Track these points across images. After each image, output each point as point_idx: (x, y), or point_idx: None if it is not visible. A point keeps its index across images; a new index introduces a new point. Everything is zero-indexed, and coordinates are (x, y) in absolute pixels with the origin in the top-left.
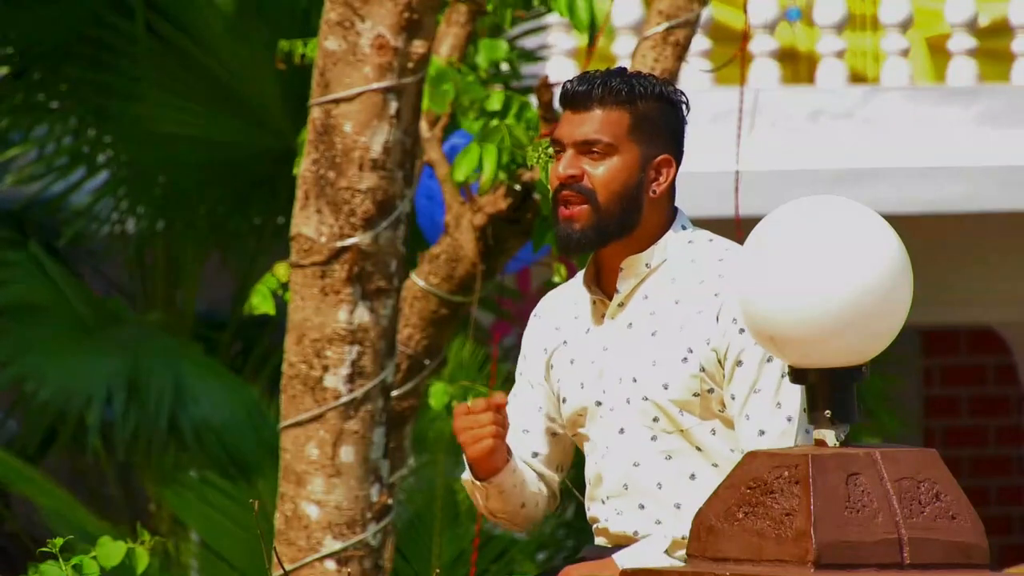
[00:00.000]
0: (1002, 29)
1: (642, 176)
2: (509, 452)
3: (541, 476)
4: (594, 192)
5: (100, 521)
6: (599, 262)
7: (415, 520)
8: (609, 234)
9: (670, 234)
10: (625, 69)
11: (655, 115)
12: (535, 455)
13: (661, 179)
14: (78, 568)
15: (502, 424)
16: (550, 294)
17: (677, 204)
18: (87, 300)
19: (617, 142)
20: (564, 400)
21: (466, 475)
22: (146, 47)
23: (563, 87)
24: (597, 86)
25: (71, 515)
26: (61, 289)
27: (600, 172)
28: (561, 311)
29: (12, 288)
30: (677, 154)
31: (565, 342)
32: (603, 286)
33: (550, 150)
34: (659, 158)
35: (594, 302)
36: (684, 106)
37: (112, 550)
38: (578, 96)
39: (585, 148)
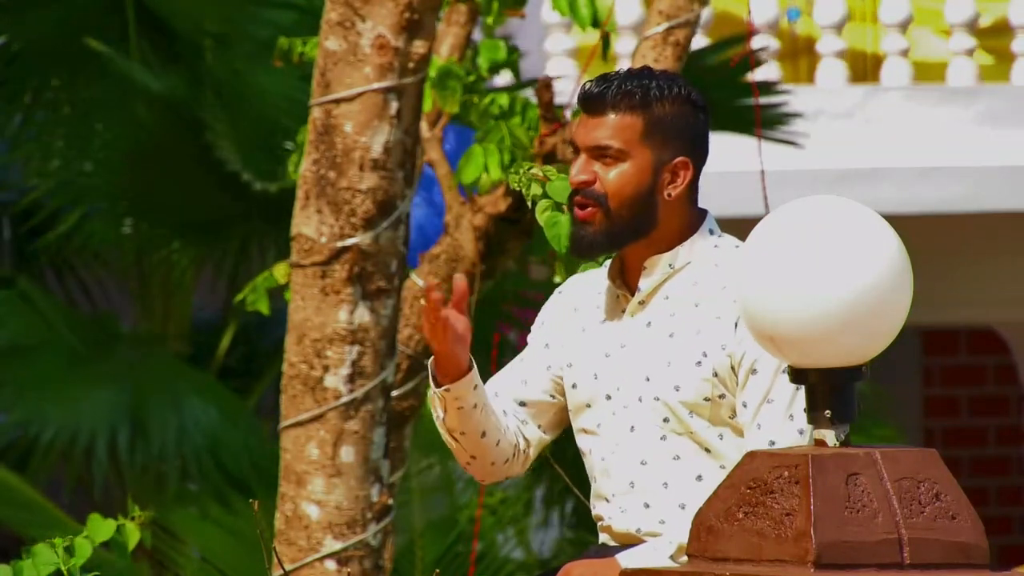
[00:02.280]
0: (1002, 29)
1: (655, 180)
2: (472, 365)
3: (522, 423)
4: (605, 196)
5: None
6: (624, 257)
7: (420, 521)
8: (621, 238)
9: (696, 237)
10: (648, 70)
11: (671, 118)
12: (522, 404)
13: (678, 181)
14: (70, 549)
15: (460, 308)
16: (577, 276)
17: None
18: (80, 328)
19: (628, 147)
20: (575, 386)
21: (430, 392)
22: (138, 89)
23: (581, 88)
24: (612, 90)
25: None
26: (53, 324)
27: (611, 177)
28: (584, 295)
29: (5, 330)
30: (696, 155)
31: (583, 329)
32: (627, 281)
33: (533, 170)
34: (675, 161)
35: (616, 296)
36: (705, 109)
37: (102, 527)
38: (592, 99)
39: (597, 153)
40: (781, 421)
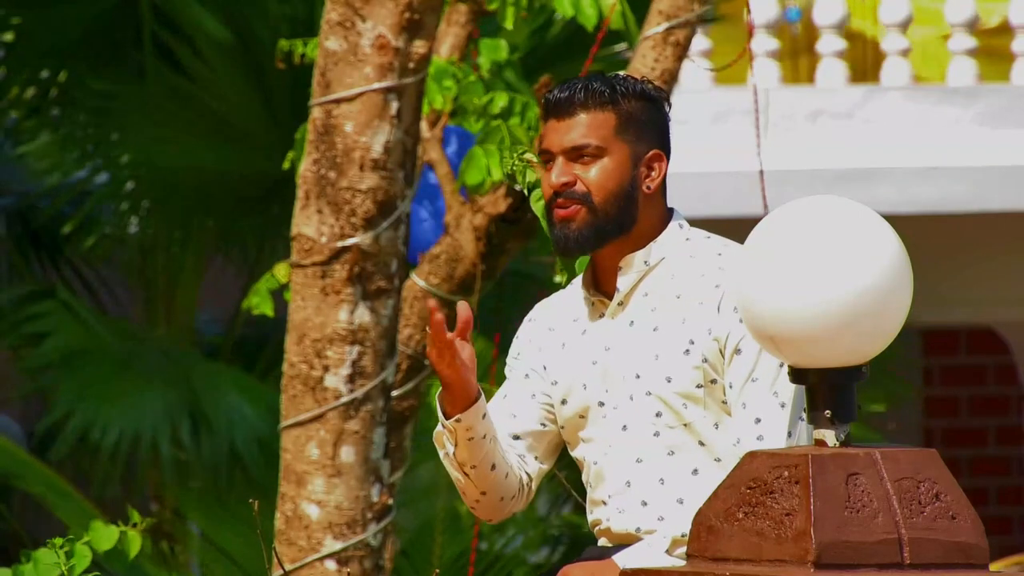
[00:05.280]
0: (1002, 29)
1: (635, 173)
2: (480, 393)
3: (520, 458)
4: (589, 194)
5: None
6: (597, 263)
7: (419, 521)
8: (607, 233)
9: (668, 232)
10: (603, 72)
11: (640, 113)
12: (516, 437)
13: (654, 174)
14: (71, 555)
15: (465, 336)
16: (544, 300)
17: (675, 205)
18: (117, 333)
19: (605, 143)
20: (564, 402)
21: (438, 428)
22: (153, 86)
23: (545, 98)
24: (579, 91)
25: (76, 508)
26: (94, 331)
27: (593, 175)
28: (556, 314)
29: (53, 339)
30: (666, 150)
31: (563, 344)
32: (601, 287)
33: (527, 155)
34: (650, 153)
35: (592, 303)
36: (666, 103)
37: (104, 534)
38: (561, 103)
39: (575, 154)
40: (766, 398)
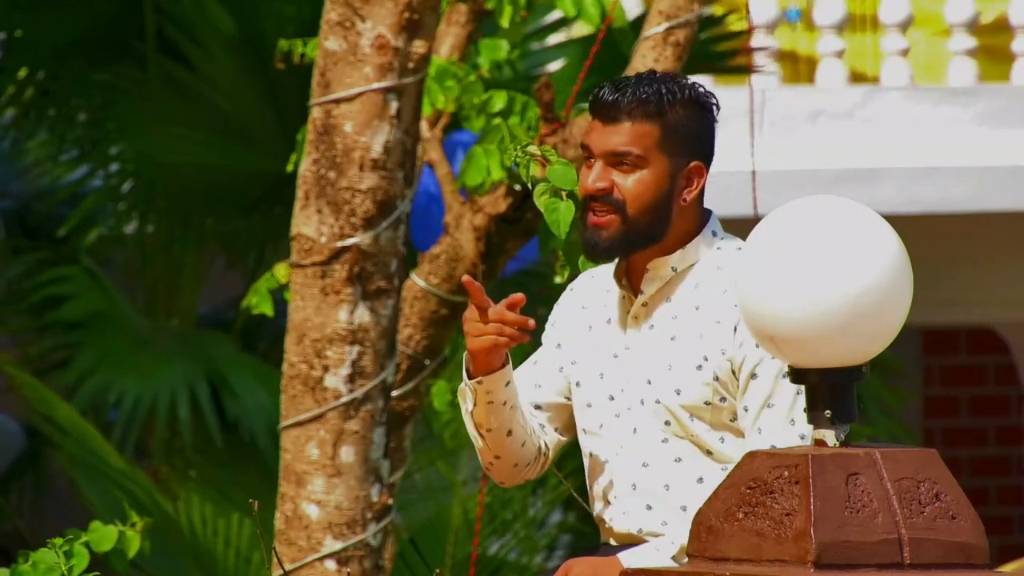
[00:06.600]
0: (1002, 29)
1: (672, 186)
2: (507, 361)
3: (540, 427)
4: (624, 204)
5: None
6: (629, 259)
7: (419, 521)
8: (636, 244)
9: (699, 239)
10: (656, 74)
11: (685, 123)
12: (537, 407)
13: (693, 186)
14: (69, 554)
15: (514, 324)
16: (588, 272)
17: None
18: (134, 310)
19: (647, 154)
20: (578, 384)
21: (462, 385)
22: (156, 82)
23: (593, 95)
24: (627, 97)
25: (102, 453)
26: (115, 300)
27: (630, 185)
28: (593, 292)
29: (76, 302)
30: (707, 158)
31: (590, 327)
32: (631, 283)
33: (530, 148)
34: (690, 166)
35: (622, 297)
36: (715, 107)
37: (104, 534)
38: (608, 107)
39: (615, 160)
40: (782, 425)
